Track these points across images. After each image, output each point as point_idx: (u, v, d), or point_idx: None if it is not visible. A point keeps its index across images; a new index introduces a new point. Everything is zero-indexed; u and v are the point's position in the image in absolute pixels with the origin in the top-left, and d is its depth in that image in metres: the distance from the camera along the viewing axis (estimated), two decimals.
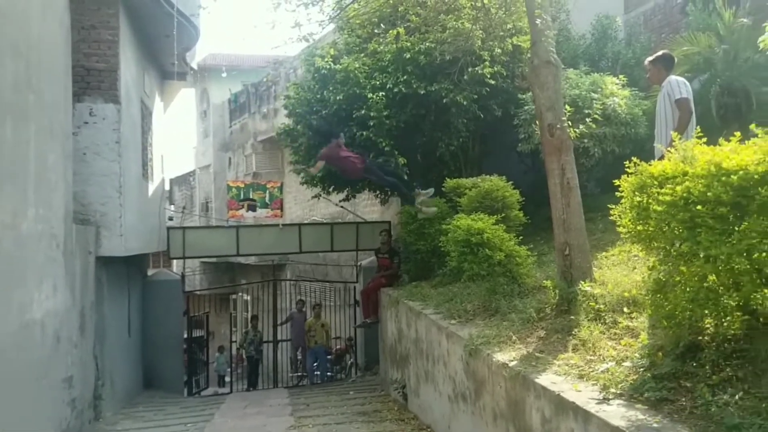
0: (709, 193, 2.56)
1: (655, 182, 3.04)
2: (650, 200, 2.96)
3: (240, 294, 20.87)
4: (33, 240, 6.42)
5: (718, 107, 6.51)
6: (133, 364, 11.33)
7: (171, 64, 12.06)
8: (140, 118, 10.46)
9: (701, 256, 2.63)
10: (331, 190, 11.80)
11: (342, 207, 14.62)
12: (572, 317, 4.64)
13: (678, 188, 2.77)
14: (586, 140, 7.76)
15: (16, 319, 5.95)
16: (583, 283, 4.87)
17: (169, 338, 12.34)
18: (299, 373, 14.23)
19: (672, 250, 2.93)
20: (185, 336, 13.24)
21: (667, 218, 2.80)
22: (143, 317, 12.13)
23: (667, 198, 2.80)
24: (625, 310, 4.34)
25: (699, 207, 2.59)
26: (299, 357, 14.04)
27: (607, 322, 4.34)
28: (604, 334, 4.18)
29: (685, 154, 3.02)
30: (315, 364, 13.33)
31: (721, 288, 2.72)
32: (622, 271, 5.24)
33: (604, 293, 4.69)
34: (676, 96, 5.15)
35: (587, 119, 7.65)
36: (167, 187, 25.38)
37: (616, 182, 3.48)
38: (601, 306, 4.53)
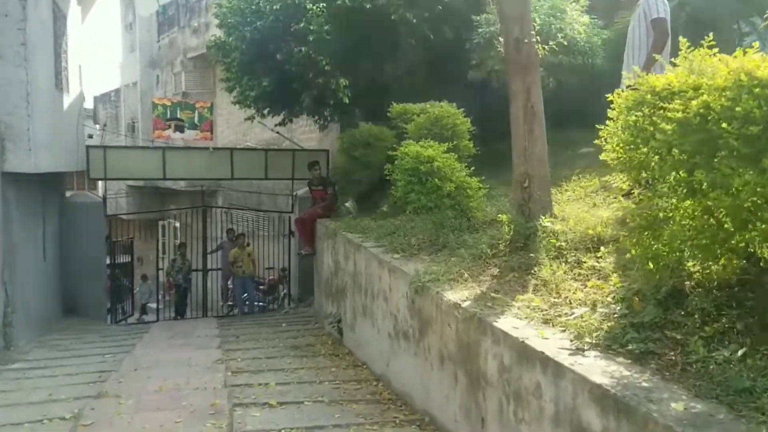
0: (737, 108, 2.04)
1: (658, 98, 2.50)
2: (654, 119, 2.43)
3: (169, 221, 19.76)
4: None
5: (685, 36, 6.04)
6: (50, 290, 10.37)
7: None
8: (52, 20, 9.10)
9: (717, 186, 2.13)
10: (266, 112, 10.88)
11: (278, 133, 13.67)
12: (531, 255, 4.19)
13: (693, 103, 2.24)
14: (541, 69, 7.19)
15: None
16: (543, 218, 4.40)
17: (89, 264, 11.35)
18: (229, 303, 13.61)
19: (673, 180, 2.43)
20: (108, 262, 12.28)
21: (676, 140, 2.28)
22: (61, 241, 11.08)
23: (678, 115, 2.27)
24: (590, 248, 3.91)
25: (724, 125, 2.08)
26: (230, 287, 13.39)
27: (569, 261, 3.90)
28: (567, 274, 3.75)
29: (694, 66, 2.47)
30: (245, 294, 12.73)
31: (732, 226, 2.25)
32: (582, 207, 4.82)
33: (565, 230, 4.24)
34: (653, 15, 4.60)
35: (545, 47, 7.06)
36: (90, 104, 23.42)
37: (609, 97, 2.93)
38: (563, 243, 4.09)
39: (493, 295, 3.89)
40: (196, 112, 12.35)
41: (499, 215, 5.24)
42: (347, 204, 8.69)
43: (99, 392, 5.50)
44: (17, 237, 8.47)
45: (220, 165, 12.35)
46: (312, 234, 9.51)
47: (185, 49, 17.21)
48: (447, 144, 6.13)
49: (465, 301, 3.91)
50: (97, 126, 22.04)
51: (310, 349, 7.24)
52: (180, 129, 12.28)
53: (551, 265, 3.86)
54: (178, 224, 19.08)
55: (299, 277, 12.42)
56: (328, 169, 11.15)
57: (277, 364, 6.53)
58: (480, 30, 8.46)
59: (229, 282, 13.35)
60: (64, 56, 9.94)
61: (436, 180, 5.61)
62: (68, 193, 12.07)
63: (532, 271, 3.97)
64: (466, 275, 4.44)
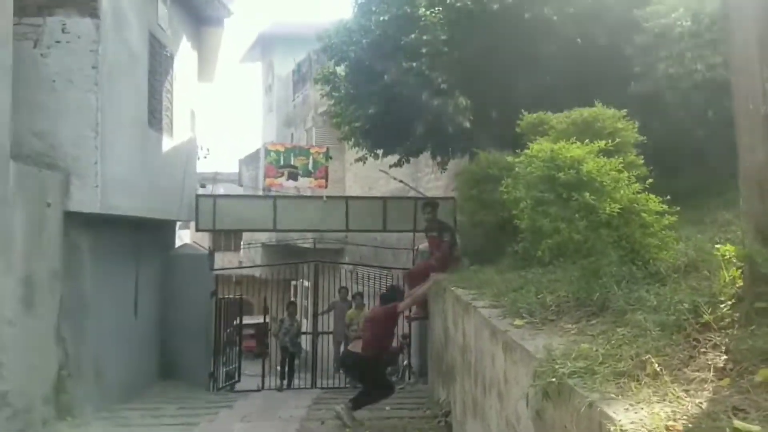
0: None
1: None
2: None
3: (301, 280, 18.64)
4: None
5: None
6: (141, 352, 9.15)
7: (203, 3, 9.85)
8: (146, 53, 8.18)
9: None
10: (378, 152, 9.14)
11: (401, 182, 11.92)
12: None
13: None
14: None
15: None
16: None
17: (194, 322, 10.12)
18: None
19: None
20: (219, 321, 10.96)
21: None
22: (163, 297, 9.97)
23: None
24: None
25: None
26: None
27: None
28: None
29: None
30: None
31: None
32: None
33: None
34: None
35: None
36: (235, 167, 23.67)
37: None
38: None
39: (732, 420, 1.48)
40: (311, 157, 10.97)
41: (707, 253, 2.78)
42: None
43: None
44: (89, 288, 7.28)
45: (335, 215, 10.77)
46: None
47: (316, 105, 16.38)
48: (604, 143, 3.71)
49: None
50: (242, 188, 21.95)
51: None
52: (293, 176, 10.95)
53: None
54: (308, 284, 17.87)
55: (419, 347, 10.20)
56: (455, 219, 8.99)
57: None
58: (647, 24, 6.11)
59: (341, 347, 11.44)
60: (167, 96, 9.05)
61: (587, 195, 3.25)
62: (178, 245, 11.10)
63: None
64: (653, 366, 2.03)
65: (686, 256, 3.38)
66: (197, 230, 11.04)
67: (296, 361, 11.05)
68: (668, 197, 3.56)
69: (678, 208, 3.55)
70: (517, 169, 3.80)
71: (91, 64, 6.59)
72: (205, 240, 18.90)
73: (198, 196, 10.49)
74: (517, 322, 3.33)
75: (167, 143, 9.04)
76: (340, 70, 8.76)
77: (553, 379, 2.17)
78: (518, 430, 2.84)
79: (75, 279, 6.97)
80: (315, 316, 11.12)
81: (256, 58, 20.58)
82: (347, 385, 10.89)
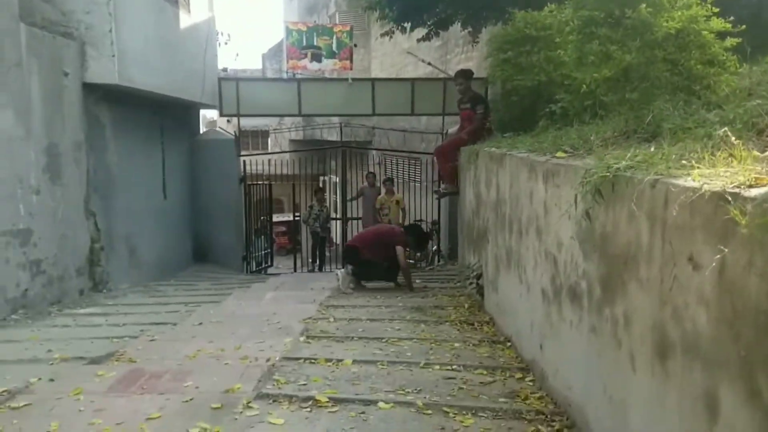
0: None
1: None
2: None
3: (330, 176, 18.54)
4: None
5: None
6: (175, 234, 9.23)
7: None
8: None
9: None
10: (405, 25, 8.57)
11: (430, 64, 11.35)
12: None
13: None
14: None
15: None
16: None
17: (222, 207, 10.12)
18: None
19: None
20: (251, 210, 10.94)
21: None
22: (192, 181, 9.93)
23: None
24: None
25: None
26: None
27: None
28: None
29: None
30: None
31: None
32: None
33: None
34: None
35: None
36: (258, 63, 23.00)
37: None
38: None
39: None
40: (334, 37, 10.43)
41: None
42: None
43: (109, 352, 3.72)
44: (115, 164, 7.20)
45: (361, 99, 10.36)
46: (455, 168, 7.09)
47: None
48: None
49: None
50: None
51: (436, 313, 4.88)
52: (317, 58, 10.47)
53: None
54: (337, 179, 17.76)
55: (449, 231, 10.10)
56: (486, 93, 8.51)
57: (378, 329, 4.28)
58: None
59: None
60: None
61: (643, 9, 2.84)
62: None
63: None
64: (726, 138, 1.76)
65: (750, 81, 3.02)
66: (221, 115, 10.80)
67: (327, 250, 11.09)
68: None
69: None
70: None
71: None
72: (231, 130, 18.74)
73: (221, 80, 10.13)
74: (559, 154, 3.07)
75: (185, 19, 8.61)
76: None
77: (607, 173, 1.93)
78: (559, 258, 2.64)
79: (100, 153, 6.88)
80: (344, 201, 11.02)
81: None
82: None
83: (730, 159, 1.58)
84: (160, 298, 6.52)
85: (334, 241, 11.84)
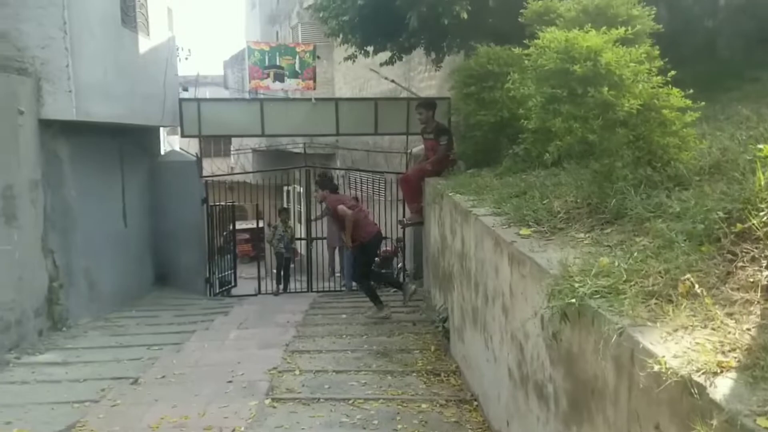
0: None
1: None
2: None
3: (294, 186, 18.34)
4: None
5: None
6: (135, 260, 8.99)
7: None
8: None
9: None
10: (368, 49, 8.53)
11: (393, 81, 11.32)
12: None
13: None
14: None
15: None
16: None
17: (185, 229, 9.90)
18: (338, 275, 11.67)
19: None
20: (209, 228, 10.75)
21: None
22: (153, 205, 9.69)
23: None
24: None
25: None
26: (336, 258, 11.44)
27: None
28: None
29: None
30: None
31: None
32: None
33: None
34: None
35: None
36: (220, 70, 22.57)
37: None
38: None
39: None
40: (297, 57, 10.29)
41: (734, 152, 2.49)
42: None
43: (70, 425, 3.58)
44: (74, 198, 6.96)
45: (324, 119, 10.26)
46: (420, 197, 7.10)
47: None
48: (623, 30, 3.29)
49: (718, 372, 1.29)
50: (227, 92, 21.15)
51: (402, 360, 4.88)
52: (279, 78, 10.30)
53: None
54: (301, 189, 17.60)
55: (414, 250, 10.12)
56: (450, 120, 8.53)
57: (344, 384, 4.25)
58: None
59: (335, 252, 11.39)
60: None
61: (605, 91, 2.88)
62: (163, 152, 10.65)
63: None
64: (688, 285, 1.78)
65: (709, 157, 3.09)
66: (182, 136, 10.56)
67: (291, 266, 10.99)
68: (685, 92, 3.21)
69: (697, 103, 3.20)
70: (526, 62, 3.37)
71: None
72: (193, 147, 18.38)
73: (181, 101, 9.89)
74: (524, 231, 3.08)
75: (144, 43, 8.38)
76: None
77: (573, 300, 1.93)
78: (526, 348, 2.66)
79: (57, 189, 6.64)
80: (308, 222, 10.93)
81: None
82: (342, 289, 10.93)
83: (693, 315, 1.60)
84: (122, 338, 6.34)
85: (299, 252, 11.73)
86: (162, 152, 10.58)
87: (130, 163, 8.72)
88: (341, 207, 6.61)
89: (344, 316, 7.05)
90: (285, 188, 19.16)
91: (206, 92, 20.20)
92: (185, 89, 10.78)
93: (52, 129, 6.44)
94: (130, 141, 8.68)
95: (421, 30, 7.33)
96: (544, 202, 3.48)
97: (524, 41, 6.04)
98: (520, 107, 5.62)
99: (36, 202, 6.17)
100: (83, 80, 6.39)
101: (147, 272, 9.45)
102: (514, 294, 2.86)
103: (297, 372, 4.59)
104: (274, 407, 3.83)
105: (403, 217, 7.55)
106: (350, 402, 3.87)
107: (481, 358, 3.69)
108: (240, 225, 14.69)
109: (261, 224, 13.83)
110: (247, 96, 16.72)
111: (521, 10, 5.43)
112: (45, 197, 6.33)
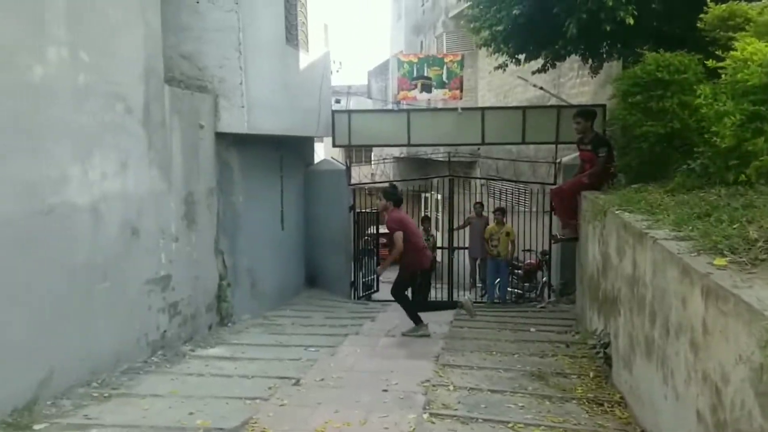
0: None
1: None
2: None
3: (432, 192, 18.50)
4: (61, 93, 4.31)
5: None
6: (290, 262, 9.58)
7: None
8: None
9: None
10: (521, 57, 8.34)
11: (541, 89, 10.98)
12: None
13: None
14: None
15: (22, 200, 3.96)
16: None
17: (333, 234, 10.37)
18: (479, 286, 11.52)
19: None
20: (357, 233, 11.14)
21: None
22: (305, 211, 10.25)
23: None
24: None
25: None
26: (478, 269, 11.27)
27: None
28: None
29: None
30: (497, 279, 10.49)
31: None
32: None
33: None
34: None
35: None
36: (364, 80, 23.35)
37: None
38: None
39: None
40: (445, 67, 10.37)
41: None
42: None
43: (245, 420, 3.86)
44: (241, 204, 7.56)
45: (470, 128, 10.25)
46: (574, 211, 6.80)
47: (447, 8, 15.40)
48: None
49: None
50: (370, 101, 21.80)
51: (559, 384, 4.68)
52: (427, 88, 10.47)
53: None
54: (439, 197, 17.67)
55: (561, 264, 9.70)
56: (604, 129, 8.10)
57: (501, 406, 4.16)
58: None
59: (477, 263, 11.25)
60: (301, 11, 8.79)
61: None
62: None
63: None
64: None
65: None
66: (334, 146, 11.07)
67: (432, 273, 11.04)
68: None
69: None
70: (723, 76, 3.08)
71: None
72: (334, 153, 19.18)
73: (334, 112, 10.40)
74: (718, 261, 2.80)
75: (304, 59, 8.89)
76: None
77: None
78: (725, 392, 2.40)
79: (228, 195, 7.25)
80: (450, 231, 10.92)
81: None
82: (483, 300, 10.79)
83: None
84: (280, 336, 6.74)
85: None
86: (314, 161, 11.13)
87: (288, 172, 9.29)
88: (398, 234, 6.40)
89: (490, 330, 6.95)
90: (423, 195, 19.39)
91: (351, 102, 21.03)
92: (337, 101, 11.30)
93: (225, 141, 7.05)
94: (289, 151, 9.25)
95: (579, 37, 7.02)
96: (735, 226, 3.16)
97: (698, 47, 5.58)
98: (692, 118, 5.19)
99: (211, 208, 6.78)
100: (254, 96, 6.91)
101: (299, 274, 10.00)
102: (709, 331, 2.60)
103: (451, 387, 4.57)
104: (433, 422, 3.84)
105: (556, 233, 7.25)
106: (510, 425, 3.77)
107: (657, 393, 3.41)
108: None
109: None
110: (390, 106, 17.21)
111: (700, 15, 5.01)
112: (218, 203, 6.93)
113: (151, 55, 5.44)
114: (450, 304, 7.77)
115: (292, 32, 8.38)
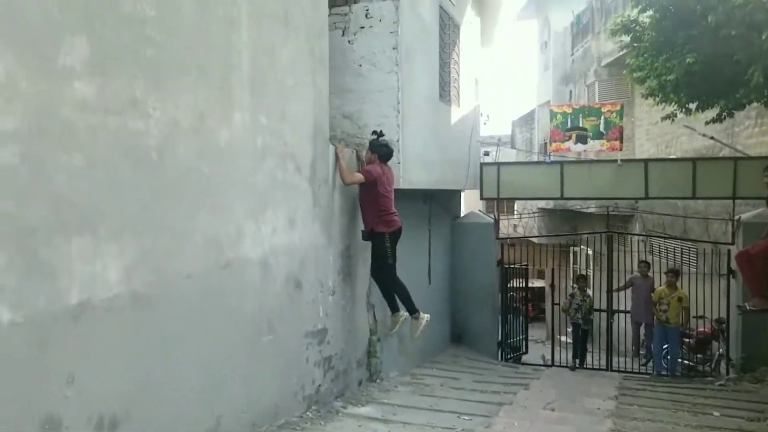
0: None
1: None
2: None
3: (582, 247, 17.50)
4: (243, 155, 4.61)
5: None
6: (436, 316, 9.37)
7: None
8: (437, 27, 8.06)
9: None
10: (692, 106, 7.68)
11: (712, 138, 10.04)
12: None
13: None
14: None
15: (204, 255, 4.21)
16: None
17: (480, 289, 10.09)
18: (642, 354, 10.48)
19: None
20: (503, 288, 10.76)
21: None
22: (451, 265, 10.11)
23: None
24: None
25: None
26: (642, 336, 10.28)
27: None
28: None
29: None
30: (665, 347, 9.45)
31: None
32: None
33: None
34: None
35: None
36: (507, 129, 23.11)
37: None
38: None
39: None
40: (602, 117, 9.87)
41: None
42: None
43: None
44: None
45: (631, 181, 9.60)
46: (765, 278, 5.94)
47: (599, 57, 14.83)
48: None
49: None
50: (514, 150, 21.51)
51: None
52: (582, 139, 10.01)
53: None
54: (590, 251, 16.68)
55: (742, 335, 8.57)
56: None
57: None
58: None
59: (640, 329, 10.26)
60: (454, 67, 8.89)
61: None
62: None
63: None
64: None
65: None
66: (481, 198, 10.89)
67: (589, 340, 10.28)
68: None
69: None
70: None
71: (392, 46, 6.66)
72: (477, 205, 18.96)
73: (482, 165, 10.28)
74: None
75: (455, 114, 8.92)
76: (643, 17, 7.54)
77: None
78: None
79: None
80: (609, 292, 10.13)
81: (531, 16, 19.52)
82: (649, 371, 9.78)
83: None
84: (430, 398, 6.52)
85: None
86: (461, 213, 11.02)
87: (436, 225, 9.25)
88: (362, 176, 6.00)
89: (665, 410, 6.19)
90: (572, 248, 18.41)
91: (494, 152, 20.85)
92: (486, 153, 11.19)
93: None
94: (437, 203, 9.23)
95: (764, 84, 6.31)
96: None
97: None
98: None
99: (365, 261, 6.85)
100: (409, 152, 7.00)
101: (445, 330, 9.80)
102: None
103: None
104: None
105: (744, 302, 6.39)
106: None
107: None
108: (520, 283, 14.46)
109: (543, 284, 13.36)
110: (536, 156, 16.77)
111: None
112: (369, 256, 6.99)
113: (319, 117, 5.70)
114: (410, 304, 6.65)
115: (445, 89, 8.47)
